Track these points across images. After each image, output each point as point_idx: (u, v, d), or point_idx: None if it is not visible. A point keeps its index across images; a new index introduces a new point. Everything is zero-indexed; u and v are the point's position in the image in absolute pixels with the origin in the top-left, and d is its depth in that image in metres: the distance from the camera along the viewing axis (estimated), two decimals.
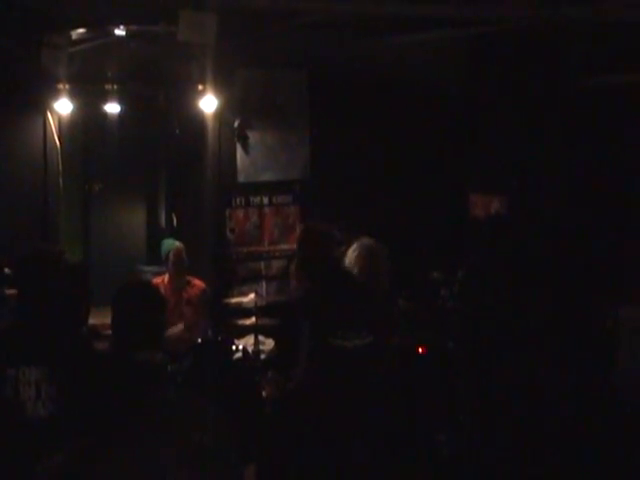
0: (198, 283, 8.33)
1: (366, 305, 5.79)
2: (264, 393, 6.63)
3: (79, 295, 4.45)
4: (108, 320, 5.73)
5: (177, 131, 10.02)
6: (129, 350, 4.16)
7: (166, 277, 8.29)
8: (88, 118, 9.74)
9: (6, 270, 6.16)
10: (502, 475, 5.52)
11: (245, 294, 8.87)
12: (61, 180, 9.47)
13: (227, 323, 8.44)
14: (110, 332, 5.92)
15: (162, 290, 7.25)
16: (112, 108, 9.54)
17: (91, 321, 5.20)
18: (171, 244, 8.36)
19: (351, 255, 6.10)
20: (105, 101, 9.49)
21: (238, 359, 7.45)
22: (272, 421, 5.87)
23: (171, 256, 8.27)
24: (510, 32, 8.53)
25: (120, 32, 8.36)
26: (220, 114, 9.61)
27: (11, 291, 5.50)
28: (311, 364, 5.58)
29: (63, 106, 9.31)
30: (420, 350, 6.96)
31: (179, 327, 7.94)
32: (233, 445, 3.25)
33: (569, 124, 9.11)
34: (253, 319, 8.08)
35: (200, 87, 9.35)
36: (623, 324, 6.38)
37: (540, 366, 5.69)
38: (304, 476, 5.25)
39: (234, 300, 8.79)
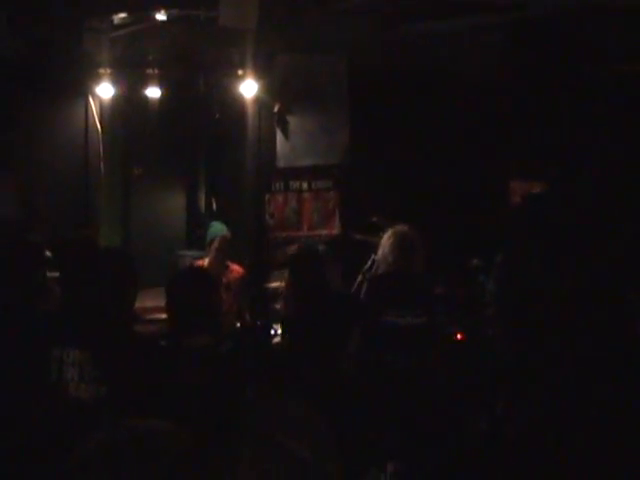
0: (237, 268, 8.31)
1: (419, 286, 5.81)
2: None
3: (125, 279, 4.48)
4: (148, 304, 5.79)
5: (217, 115, 10.05)
6: (184, 334, 4.21)
7: (206, 261, 8.27)
8: (129, 102, 9.79)
9: (47, 253, 6.21)
10: (543, 464, 5.50)
11: (283, 279, 8.87)
12: (102, 164, 9.53)
13: (265, 308, 8.46)
14: (151, 316, 5.98)
15: None
16: (153, 92, 9.58)
17: None
18: (219, 229, 8.30)
19: (385, 242, 6.09)
20: (146, 85, 9.54)
21: (276, 344, 7.47)
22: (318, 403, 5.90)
23: (216, 243, 8.21)
24: (551, 17, 8.46)
25: (161, 17, 8.39)
26: (260, 99, 9.63)
27: (53, 274, 5.54)
28: (365, 342, 5.62)
29: (105, 90, 9.38)
30: (459, 336, 6.95)
31: None
32: (335, 458, 2.93)
33: (610, 110, 9.02)
34: None
35: (240, 72, 9.37)
36: None
37: (582, 351, 5.66)
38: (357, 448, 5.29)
39: (272, 285, 8.80)
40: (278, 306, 8.25)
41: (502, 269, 6.20)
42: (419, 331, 5.68)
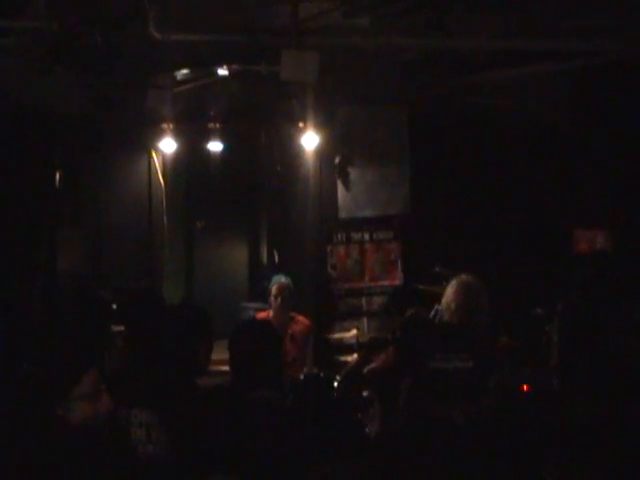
0: (302, 320, 8.30)
1: (465, 330, 5.76)
2: (367, 429, 6.61)
3: (194, 336, 4.47)
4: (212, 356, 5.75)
5: (278, 168, 10.12)
6: (247, 387, 4.21)
7: (270, 313, 8.28)
8: (191, 156, 9.91)
9: (113, 306, 6.26)
10: None
11: (346, 330, 8.85)
12: (165, 218, 9.63)
13: (329, 359, 8.44)
14: (214, 368, 5.96)
15: None
16: (215, 146, 9.68)
17: None
18: (278, 279, 8.34)
19: (449, 292, 6.04)
20: (208, 139, 9.65)
21: (340, 396, 7.41)
22: (378, 456, 5.83)
23: (273, 291, 8.26)
24: (616, 64, 8.39)
25: (223, 72, 8.48)
26: (321, 151, 9.67)
27: (118, 328, 5.58)
28: (414, 393, 5.57)
29: (167, 145, 9.50)
30: (524, 387, 6.85)
31: None
32: None
33: None
34: (355, 355, 8.06)
35: (301, 124, 9.43)
36: None
37: None
38: None
39: (336, 336, 8.79)
40: (342, 358, 8.23)
41: (563, 318, 6.12)
42: (467, 376, 5.61)
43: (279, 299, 8.16)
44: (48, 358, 4.54)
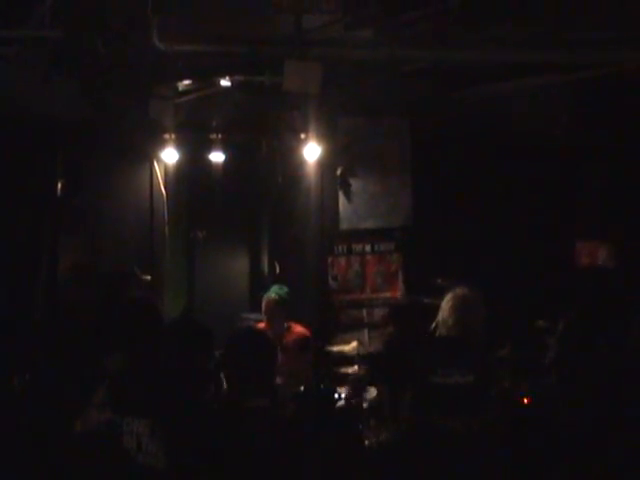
0: (298, 330, 8.28)
1: (464, 344, 5.77)
2: (367, 442, 6.60)
3: (191, 350, 4.47)
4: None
5: (280, 179, 10.10)
6: (242, 396, 4.21)
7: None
8: (193, 167, 9.90)
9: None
10: None
11: (347, 342, 8.84)
12: (167, 228, 9.62)
13: (329, 371, 8.41)
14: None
15: None
16: (217, 157, 9.68)
17: None
18: (271, 292, 8.35)
19: (445, 306, 6.05)
20: (210, 150, 9.64)
21: (340, 408, 7.41)
22: (377, 468, 5.83)
23: (262, 305, 8.32)
24: (616, 76, 8.41)
25: (225, 83, 8.50)
26: (322, 162, 9.66)
27: None
28: (415, 405, 5.58)
29: (169, 155, 9.49)
30: (525, 400, 6.84)
31: None
32: None
33: None
34: (355, 367, 8.04)
35: (303, 135, 9.43)
36: None
37: None
38: None
39: (336, 348, 8.77)
40: (342, 370, 8.22)
41: (563, 335, 6.13)
42: (467, 390, 5.62)
43: (266, 316, 8.20)
44: (62, 367, 4.54)
